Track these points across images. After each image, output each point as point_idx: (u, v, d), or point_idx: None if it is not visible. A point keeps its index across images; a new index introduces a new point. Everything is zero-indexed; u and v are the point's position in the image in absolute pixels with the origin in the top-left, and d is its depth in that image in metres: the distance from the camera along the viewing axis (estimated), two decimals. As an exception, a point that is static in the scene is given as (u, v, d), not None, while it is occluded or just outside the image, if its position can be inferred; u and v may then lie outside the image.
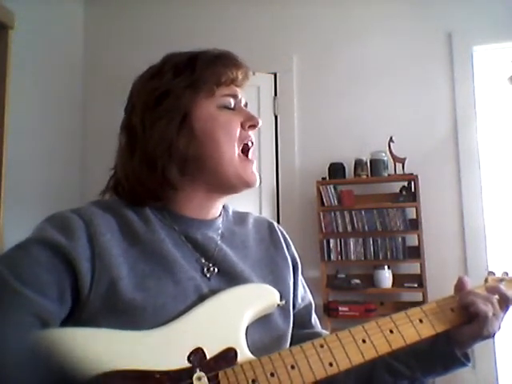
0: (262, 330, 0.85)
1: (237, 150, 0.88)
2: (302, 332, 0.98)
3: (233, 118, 0.89)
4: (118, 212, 0.85)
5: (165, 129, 0.85)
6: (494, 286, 0.91)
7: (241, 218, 1.01)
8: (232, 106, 0.90)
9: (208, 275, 0.86)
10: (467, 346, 0.88)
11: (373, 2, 3.15)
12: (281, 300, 0.87)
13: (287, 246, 1.02)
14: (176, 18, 3.40)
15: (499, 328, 0.87)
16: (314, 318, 1.04)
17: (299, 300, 1.00)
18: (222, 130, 0.87)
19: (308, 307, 1.03)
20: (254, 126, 0.92)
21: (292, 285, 0.98)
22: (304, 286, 1.04)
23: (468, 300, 0.86)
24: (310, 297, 1.05)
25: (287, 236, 1.05)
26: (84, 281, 0.74)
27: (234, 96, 0.90)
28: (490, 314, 0.85)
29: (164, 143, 0.85)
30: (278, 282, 0.93)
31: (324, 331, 1.03)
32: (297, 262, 1.02)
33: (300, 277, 1.03)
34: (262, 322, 0.85)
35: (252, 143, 0.92)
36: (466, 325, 0.86)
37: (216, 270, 0.87)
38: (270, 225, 1.04)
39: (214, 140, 0.86)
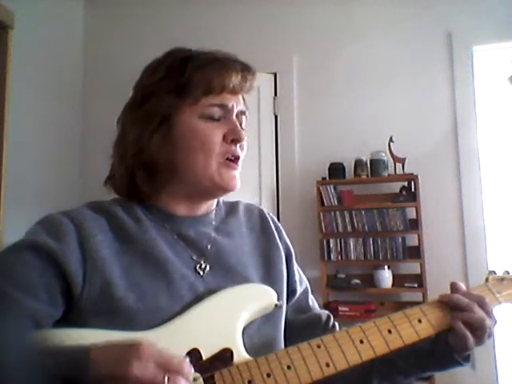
0: (259, 330, 0.85)
1: (213, 162, 0.84)
2: (302, 317, 0.99)
3: (214, 130, 0.85)
4: (110, 213, 0.84)
5: (140, 131, 0.84)
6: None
7: (231, 207, 1.00)
8: (216, 117, 0.85)
9: (201, 273, 0.86)
10: (466, 351, 0.87)
11: (373, 2, 3.14)
12: (278, 300, 0.86)
13: (279, 234, 1.01)
14: (176, 18, 3.40)
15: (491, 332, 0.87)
16: (312, 300, 1.04)
17: (298, 286, 1.00)
18: (199, 142, 0.83)
19: (305, 291, 1.03)
20: (236, 141, 0.86)
21: (286, 273, 0.97)
22: (299, 271, 1.04)
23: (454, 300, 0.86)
24: (305, 280, 1.05)
25: (278, 223, 1.04)
26: (75, 283, 0.75)
27: (222, 106, 0.86)
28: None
29: (136, 145, 0.84)
30: (270, 273, 0.93)
31: (322, 311, 1.04)
32: (289, 249, 1.02)
33: (294, 263, 1.02)
34: (259, 322, 0.85)
35: (236, 157, 0.87)
36: (457, 334, 0.85)
37: (209, 267, 0.87)
38: (261, 212, 1.03)
39: (190, 150, 0.84)
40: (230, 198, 1.03)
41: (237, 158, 0.87)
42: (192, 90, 0.84)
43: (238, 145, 0.87)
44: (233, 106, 0.87)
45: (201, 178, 0.85)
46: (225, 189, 0.87)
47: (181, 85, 0.84)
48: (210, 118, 0.85)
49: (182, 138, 0.84)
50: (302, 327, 0.97)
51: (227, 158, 0.86)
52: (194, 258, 0.87)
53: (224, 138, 0.85)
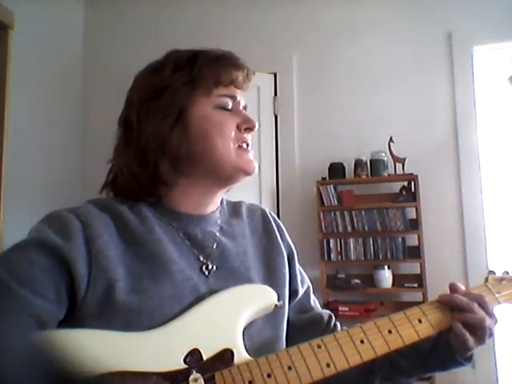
0: (260, 330, 0.85)
1: (231, 146, 0.88)
2: (304, 317, 0.99)
3: (228, 119, 0.88)
4: (115, 211, 0.84)
5: (159, 124, 0.85)
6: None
7: (235, 208, 1.01)
8: (229, 107, 0.89)
9: (206, 273, 0.86)
10: (467, 351, 0.87)
11: (373, 2, 3.14)
12: (278, 300, 0.86)
13: (281, 234, 1.02)
14: (176, 18, 3.40)
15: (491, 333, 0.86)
16: (313, 299, 1.04)
17: (300, 286, 1.01)
18: (215, 130, 0.86)
19: (307, 291, 1.03)
20: (250, 129, 0.91)
21: (288, 273, 0.97)
22: (301, 271, 1.04)
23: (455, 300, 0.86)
24: (307, 280, 1.05)
25: (280, 224, 1.05)
26: (80, 282, 0.74)
27: (232, 97, 0.90)
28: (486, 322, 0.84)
29: (157, 138, 0.85)
30: (272, 275, 0.93)
31: (324, 310, 1.04)
32: (292, 250, 1.02)
33: (296, 263, 1.03)
34: (260, 322, 0.85)
35: (247, 145, 0.91)
36: (463, 336, 0.84)
37: (214, 267, 0.87)
38: (263, 213, 1.03)
39: (208, 138, 0.86)
40: (232, 197, 1.03)
41: (248, 146, 0.91)
42: (204, 82, 0.87)
43: (249, 134, 0.92)
44: (239, 99, 0.92)
45: (222, 163, 0.87)
46: (245, 171, 0.89)
47: (192, 78, 0.87)
48: (223, 108, 0.88)
49: (199, 127, 0.86)
50: (303, 327, 0.97)
51: (239, 146, 0.89)
52: (201, 258, 0.87)
53: (237, 127, 0.89)
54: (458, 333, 0.83)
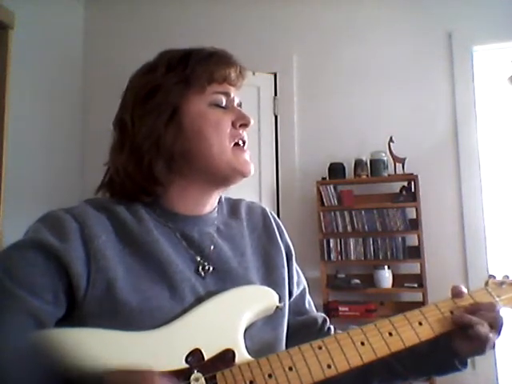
0: (260, 331, 0.85)
1: (227, 144, 0.87)
2: (298, 319, 0.99)
3: (223, 116, 0.88)
4: (112, 211, 0.84)
5: (153, 123, 0.85)
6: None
7: (234, 207, 1.01)
8: (223, 104, 0.89)
9: (202, 274, 0.86)
10: (467, 357, 0.88)
11: (373, 2, 3.15)
12: (280, 302, 0.86)
13: (280, 234, 1.02)
14: (176, 18, 3.39)
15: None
16: (309, 302, 1.04)
17: (295, 287, 1.00)
18: (211, 127, 0.86)
19: (302, 293, 1.03)
20: (245, 125, 0.90)
21: (287, 273, 0.97)
22: (298, 272, 1.04)
23: (465, 321, 0.85)
24: (303, 281, 1.05)
25: (280, 223, 1.04)
26: (79, 283, 0.74)
27: (226, 94, 0.90)
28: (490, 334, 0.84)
29: (151, 137, 0.85)
30: (271, 274, 0.93)
31: (319, 313, 1.04)
32: (290, 250, 1.02)
33: (294, 264, 1.02)
34: (260, 323, 0.85)
35: (244, 142, 0.90)
36: (466, 341, 0.84)
37: (211, 268, 0.87)
38: (264, 212, 1.03)
39: (203, 136, 0.86)
40: (232, 197, 1.03)
41: (244, 143, 0.91)
42: (197, 80, 0.87)
43: (245, 130, 0.91)
44: (233, 96, 0.91)
45: (218, 161, 0.86)
46: (241, 172, 0.89)
47: (186, 76, 0.87)
48: (218, 105, 0.88)
49: (193, 125, 0.86)
50: (297, 329, 0.97)
51: (236, 143, 0.89)
52: (197, 259, 0.87)
53: (233, 123, 0.89)
54: (478, 334, 0.82)
